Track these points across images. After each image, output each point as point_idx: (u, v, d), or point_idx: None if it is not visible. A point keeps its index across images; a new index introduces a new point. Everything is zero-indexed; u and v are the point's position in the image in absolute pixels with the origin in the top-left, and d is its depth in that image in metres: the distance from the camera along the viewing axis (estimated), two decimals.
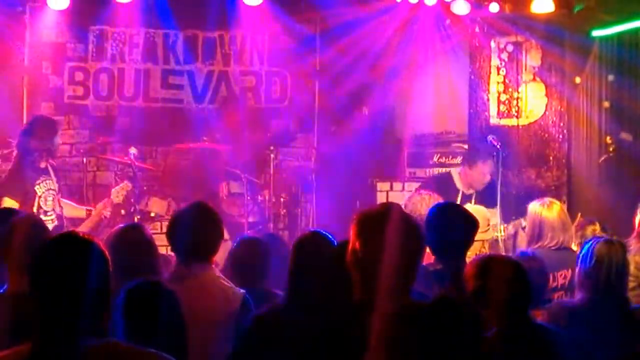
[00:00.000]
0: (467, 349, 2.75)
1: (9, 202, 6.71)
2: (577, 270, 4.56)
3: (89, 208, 7.67)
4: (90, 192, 9.17)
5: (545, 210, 5.69)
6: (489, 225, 7.50)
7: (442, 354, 2.75)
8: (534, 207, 5.79)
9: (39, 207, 6.89)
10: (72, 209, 7.51)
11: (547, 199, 5.94)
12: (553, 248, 5.59)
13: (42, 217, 6.68)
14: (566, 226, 5.67)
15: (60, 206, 7.11)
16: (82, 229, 6.81)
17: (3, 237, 4.21)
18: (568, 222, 5.74)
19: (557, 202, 5.81)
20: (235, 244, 5.20)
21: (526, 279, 3.84)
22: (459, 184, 7.96)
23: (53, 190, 7.03)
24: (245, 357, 3.91)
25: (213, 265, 4.50)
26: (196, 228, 4.39)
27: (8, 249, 4.16)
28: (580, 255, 4.54)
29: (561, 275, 5.43)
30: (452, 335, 2.73)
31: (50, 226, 6.46)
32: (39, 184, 6.92)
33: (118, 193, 7.22)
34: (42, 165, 7.01)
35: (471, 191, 7.92)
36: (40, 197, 6.91)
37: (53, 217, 6.99)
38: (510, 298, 3.74)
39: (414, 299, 3.09)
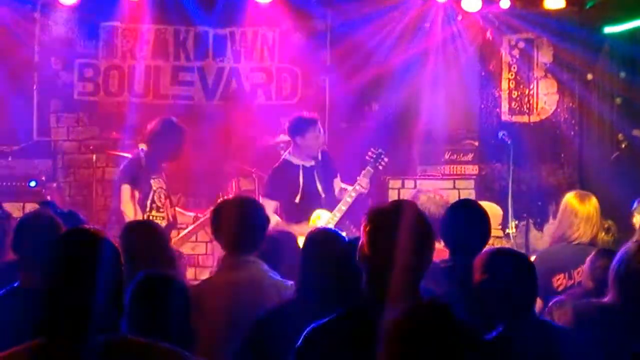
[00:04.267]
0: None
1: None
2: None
3: (195, 214, 7.97)
4: (100, 188, 9.16)
5: (576, 201, 5.58)
6: (500, 221, 7.50)
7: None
8: (567, 197, 5.68)
9: (153, 201, 7.08)
10: (180, 215, 7.81)
11: (583, 192, 5.83)
12: (574, 242, 5.50)
13: (155, 212, 7.03)
14: (592, 221, 5.55)
15: (172, 206, 7.34)
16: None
17: (10, 232, 4.23)
18: (595, 218, 5.59)
19: (592, 196, 5.65)
20: None
21: (533, 274, 3.79)
22: (296, 160, 7.53)
23: (164, 189, 7.22)
24: (254, 350, 3.90)
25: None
26: (243, 218, 4.43)
27: (18, 244, 4.17)
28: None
29: (578, 272, 5.34)
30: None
31: (162, 224, 6.63)
32: (154, 179, 7.12)
33: None
34: (162, 164, 7.28)
35: (312, 162, 7.52)
36: (155, 192, 7.10)
37: (164, 214, 7.15)
38: (514, 292, 3.70)
39: (423, 297, 3.06)
